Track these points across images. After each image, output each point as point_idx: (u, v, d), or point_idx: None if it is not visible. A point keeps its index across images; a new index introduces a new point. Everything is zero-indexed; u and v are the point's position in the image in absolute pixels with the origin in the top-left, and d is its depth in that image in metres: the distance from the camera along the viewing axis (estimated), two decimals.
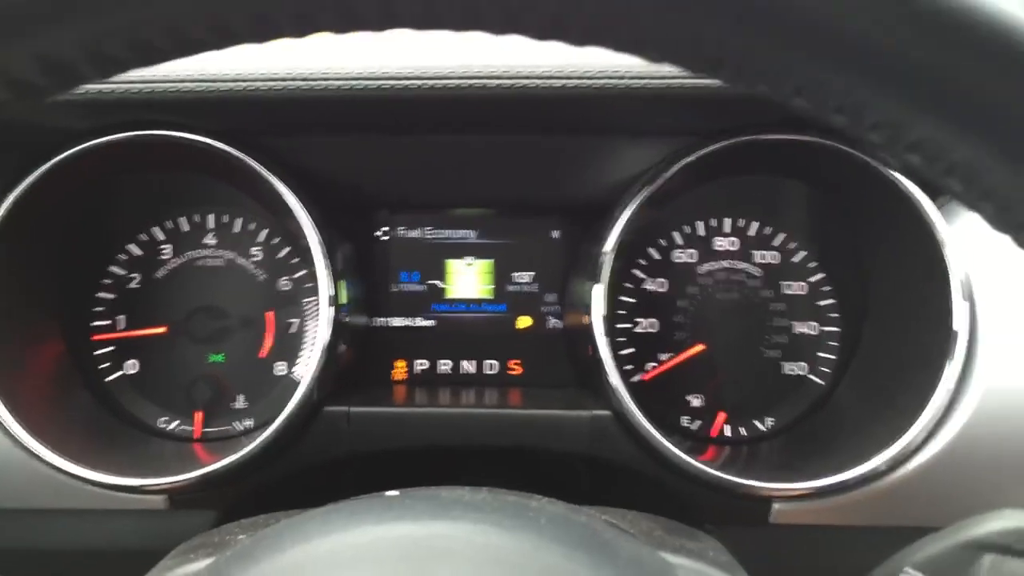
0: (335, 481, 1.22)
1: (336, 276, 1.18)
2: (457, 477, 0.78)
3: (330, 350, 1.16)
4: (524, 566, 0.53)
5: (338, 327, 1.17)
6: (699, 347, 1.32)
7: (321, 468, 1.19)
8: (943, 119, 0.37)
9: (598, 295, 1.17)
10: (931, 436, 1.07)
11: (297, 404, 1.13)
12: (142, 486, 1.10)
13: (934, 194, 1.11)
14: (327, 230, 1.20)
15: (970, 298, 1.08)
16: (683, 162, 1.14)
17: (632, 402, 1.13)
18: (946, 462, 1.07)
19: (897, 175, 1.11)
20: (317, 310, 1.19)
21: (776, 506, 1.10)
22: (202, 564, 0.73)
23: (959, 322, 1.06)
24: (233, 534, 0.85)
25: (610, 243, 1.18)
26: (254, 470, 1.13)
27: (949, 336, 1.06)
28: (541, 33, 0.37)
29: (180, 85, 1.04)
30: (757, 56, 0.37)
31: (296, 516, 0.63)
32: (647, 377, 1.33)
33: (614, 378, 1.14)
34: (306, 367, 1.17)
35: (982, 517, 0.70)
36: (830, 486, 1.08)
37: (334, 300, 1.17)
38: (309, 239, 1.17)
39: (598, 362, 1.16)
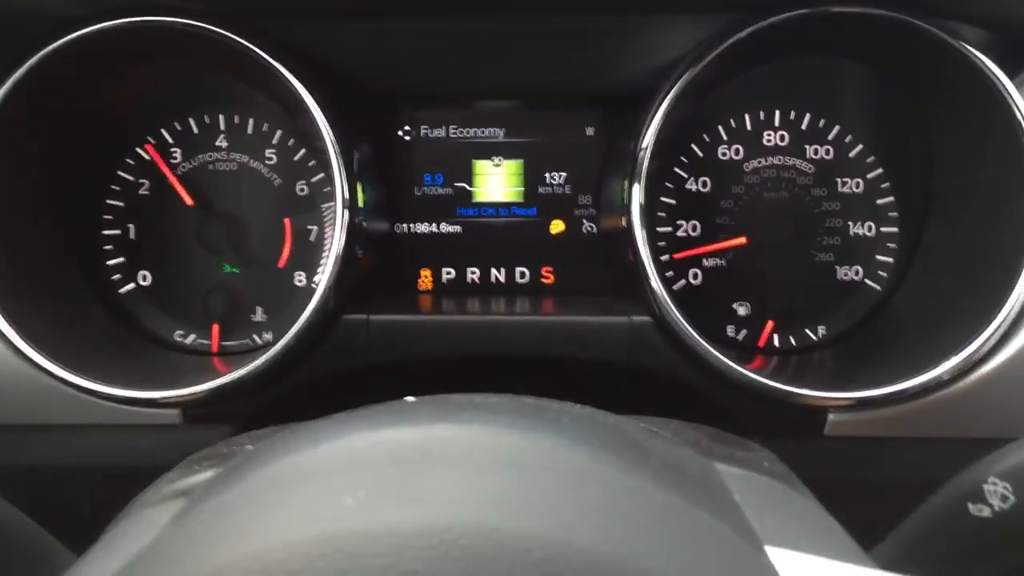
0: (356, 393, 1.16)
1: (352, 177, 1.10)
2: (486, 389, 0.71)
3: (346, 256, 1.08)
4: (539, 468, 0.45)
5: (355, 232, 1.10)
6: (741, 239, 1.22)
7: (343, 381, 1.12)
8: None
9: (637, 194, 1.08)
10: (1004, 341, 0.99)
11: (312, 313, 1.06)
12: (155, 399, 1.05)
13: (1013, 71, 1.00)
14: (343, 127, 1.11)
15: None
16: (733, 39, 1.03)
17: (674, 307, 1.05)
18: (1019, 368, 0.98)
19: (974, 50, 0.99)
20: (335, 215, 1.11)
21: (831, 416, 1.02)
22: (205, 476, 0.67)
23: None
24: (241, 446, 0.79)
25: (649, 137, 1.08)
26: (270, 381, 1.07)
27: None
28: None
29: None
30: None
31: (294, 427, 0.56)
32: (678, 256, 1.24)
33: (655, 282, 1.06)
34: (324, 275, 1.09)
35: None
36: (890, 395, 1.00)
37: (350, 203, 1.09)
38: (324, 137, 1.08)
39: (638, 266, 1.07)
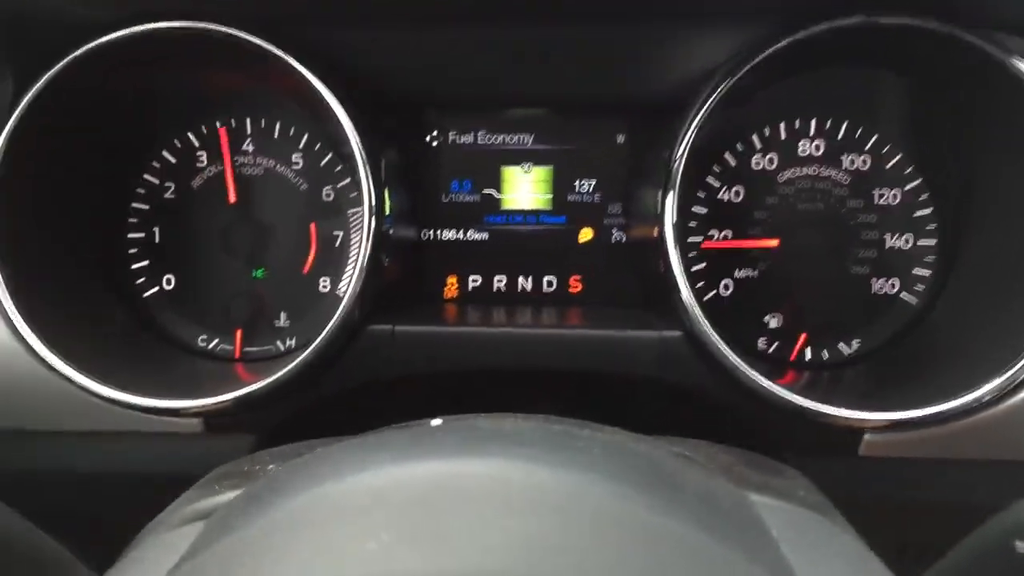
0: (381, 405, 1.14)
1: (380, 184, 1.08)
2: (511, 403, 0.69)
3: (373, 264, 1.07)
4: (566, 510, 0.43)
5: (382, 239, 1.08)
6: (773, 241, 1.19)
7: (367, 391, 1.11)
8: None
9: (670, 204, 1.05)
10: None
11: (337, 322, 1.04)
12: (177, 408, 1.04)
13: None
14: (371, 133, 1.09)
15: None
16: (771, 49, 1.00)
17: (706, 321, 1.02)
18: None
19: (1018, 63, 0.96)
20: (361, 222, 1.10)
21: (867, 436, 0.99)
22: (225, 497, 0.66)
23: None
24: (263, 463, 0.77)
25: (683, 147, 1.06)
26: (293, 392, 1.05)
27: None
28: None
29: None
30: None
31: (316, 452, 0.54)
32: (705, 246, 1.21)
33: (686, 295, 1.04)
34: (349, 283, 1.08)
35: None
36: (927, 416, 0.97)
37: (377, 210, 1.07)
38: (351, 143, 1.07)
39: (669, 278, 1.05)
